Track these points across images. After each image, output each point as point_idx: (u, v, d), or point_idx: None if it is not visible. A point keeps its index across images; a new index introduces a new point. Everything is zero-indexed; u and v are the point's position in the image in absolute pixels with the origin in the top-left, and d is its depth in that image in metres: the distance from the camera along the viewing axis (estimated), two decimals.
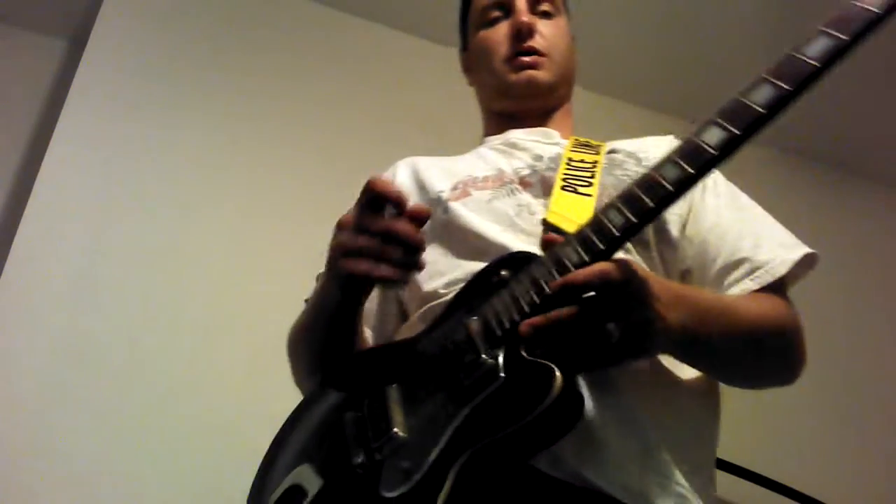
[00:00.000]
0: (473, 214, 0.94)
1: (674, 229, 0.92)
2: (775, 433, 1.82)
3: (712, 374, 0.87)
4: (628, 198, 0.69)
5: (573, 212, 0.85)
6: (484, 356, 0.71)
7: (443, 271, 0.92)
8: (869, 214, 2.35)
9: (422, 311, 0.92)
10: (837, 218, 2.29)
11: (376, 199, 0.77)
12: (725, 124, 0.65)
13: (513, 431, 0.65)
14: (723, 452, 1.71)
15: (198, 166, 1.72)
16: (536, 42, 1.06)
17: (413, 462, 0.69)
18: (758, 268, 0.87)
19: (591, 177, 0.93)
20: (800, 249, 0.90)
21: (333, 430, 0.80)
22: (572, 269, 0.70)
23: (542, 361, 0.67)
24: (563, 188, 0.92)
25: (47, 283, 1.45)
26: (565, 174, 0.94)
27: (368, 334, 0.99)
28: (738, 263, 0.88)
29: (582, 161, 0.97)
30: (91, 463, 1.28)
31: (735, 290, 0.86)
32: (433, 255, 0.93)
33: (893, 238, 2.32)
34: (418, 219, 0.78)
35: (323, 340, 0.92)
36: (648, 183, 0.68)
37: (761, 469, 1.68)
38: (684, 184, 0.67)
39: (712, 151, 0.65)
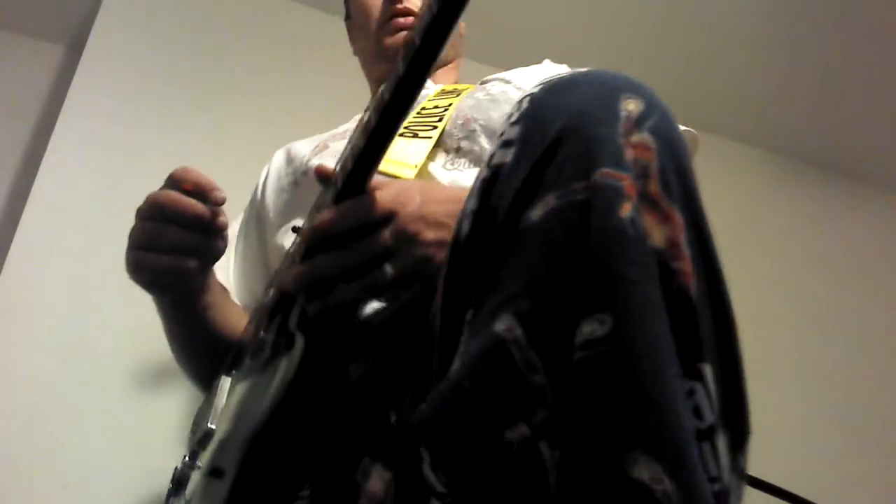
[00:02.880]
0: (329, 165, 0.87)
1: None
2: (772, 436, 1.83)
3: None
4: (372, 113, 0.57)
5: (409, 156, 0.79)
6: (263, 333, 0.66)
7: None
8: (866, 218, 2.36)
9: None
10: (835, 221, 2.30)
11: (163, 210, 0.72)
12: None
13: (277, 410, 0.55)
14: None
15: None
16: (412, 2, 0.99)
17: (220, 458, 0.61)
18: None
19: (439, 120, 0.85)
20: None
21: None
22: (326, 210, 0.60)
23: (293, 331, 0.58)
24: (401, 135, 0.83)
25: (45, 286, 1.45)
26: (411, 122, 0.85)
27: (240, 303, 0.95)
28: None
29: (435, 107, 0.89)
30: (91, 463, 1.27)
31: None
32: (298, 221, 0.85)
33: (891, 241, 2.33)
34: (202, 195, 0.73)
35: (191, 346, 0.89)
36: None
37: (759, 471, 1.68)
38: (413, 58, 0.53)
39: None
